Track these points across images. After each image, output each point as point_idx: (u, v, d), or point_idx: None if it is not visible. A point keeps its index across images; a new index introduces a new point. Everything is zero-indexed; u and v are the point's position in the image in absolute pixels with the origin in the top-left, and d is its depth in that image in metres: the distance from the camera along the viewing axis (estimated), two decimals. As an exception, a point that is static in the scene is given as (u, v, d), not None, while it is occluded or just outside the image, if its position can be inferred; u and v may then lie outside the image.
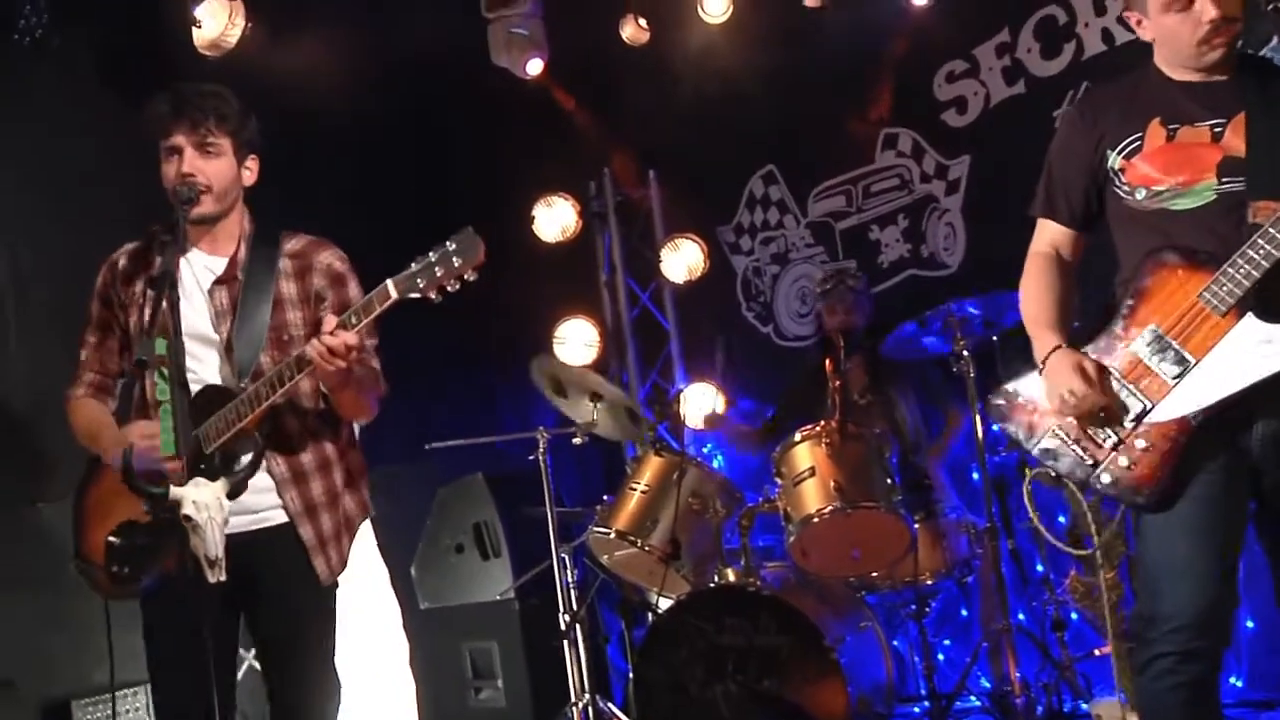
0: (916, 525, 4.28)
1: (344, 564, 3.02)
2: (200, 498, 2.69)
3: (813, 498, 4.22)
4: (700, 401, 5.93)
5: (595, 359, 6.45)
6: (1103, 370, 2.69)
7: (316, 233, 3.11)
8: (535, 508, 4.77)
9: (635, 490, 4.51)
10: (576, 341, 6.45)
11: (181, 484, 2.66)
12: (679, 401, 4.82)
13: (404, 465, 5.29)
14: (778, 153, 6.17)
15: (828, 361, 4.54)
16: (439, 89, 5.95)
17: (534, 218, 6.39)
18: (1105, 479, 2.68)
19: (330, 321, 2.75)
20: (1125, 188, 2.73)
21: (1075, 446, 2.72)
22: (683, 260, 6.32)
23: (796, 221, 6.13)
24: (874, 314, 5.14)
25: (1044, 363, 2.75)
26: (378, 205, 5.66)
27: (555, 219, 6.44)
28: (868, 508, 4.18)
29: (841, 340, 4.75)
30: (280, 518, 2.94)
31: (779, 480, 4.37)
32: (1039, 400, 2.79)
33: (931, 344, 4.63)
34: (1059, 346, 2.73)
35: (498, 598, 5.15)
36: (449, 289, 2.67)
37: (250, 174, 3.01)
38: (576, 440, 4.78)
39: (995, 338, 4.49)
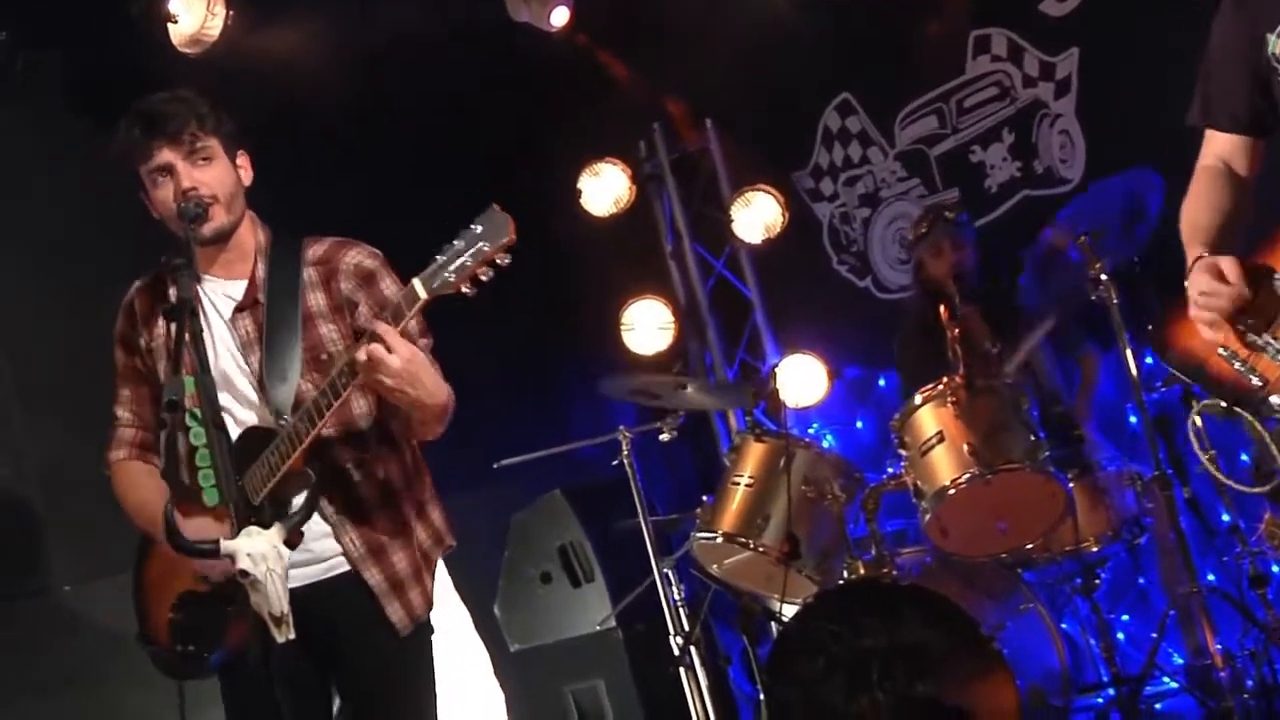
0: (1071, 484, 4.26)
1: (429, 603, 3.06)
2: (255, 549, 2.71)
3: (945, 467, 4.22)
4: (799, 375, 5.92)
5: (671, 343, 6.47)
6: (1261, 271, 2.64)
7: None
8: (627, 520, 4.82)
9: (738, 485, 4.53)
10: (648, 325, 6.45)
11: (232, 536, 2.71)
12: (774, 378, 4.83)
13: (469, 492, 5.31)
14: (851, 78, 6.16)
15: (942, 308, 4.50)
16: (456, 59, 5.98)
17: (580, 190, 6.40)
18: (1277, 401, 2.63)
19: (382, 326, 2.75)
20: None
21: (1241, 366, 2.69)
22: (757, 217, 6.29)
23: (884, 154, 6.11)
24: (981, 252, 5.09)
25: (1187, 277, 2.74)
26: (399, 201, 5.69)
27: (605, 189, 6.43)
28: (1010, 470, 4.18)
29: (954, 286, 4.71)
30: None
31: (903, 452, 4.37)
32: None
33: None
34: (1201, 256, 2.72)
35: (597, 628, 5.20)
36: (482, 278, 2.67)
37: (245, 172, 3.05)
38: (664, 436, 4.83)
39: (1137, 259, 4.42)
